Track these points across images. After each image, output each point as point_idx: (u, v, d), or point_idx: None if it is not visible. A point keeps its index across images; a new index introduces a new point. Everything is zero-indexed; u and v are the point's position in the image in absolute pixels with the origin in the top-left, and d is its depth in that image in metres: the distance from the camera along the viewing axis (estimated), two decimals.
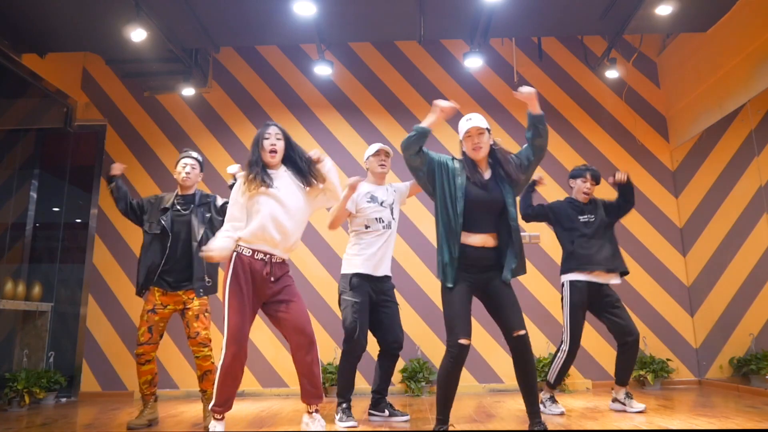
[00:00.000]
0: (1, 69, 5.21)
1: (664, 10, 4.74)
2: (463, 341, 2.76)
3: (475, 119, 3.05)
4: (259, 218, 2.97)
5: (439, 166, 3.02)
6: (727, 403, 4.09)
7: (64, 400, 5.25)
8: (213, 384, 3.53)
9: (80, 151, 6.17)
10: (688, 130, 5.57)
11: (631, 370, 3.84)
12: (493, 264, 2.94)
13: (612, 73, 5.77)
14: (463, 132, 3.06)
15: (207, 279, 3.61)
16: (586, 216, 3.96)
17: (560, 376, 3.82)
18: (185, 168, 3.77)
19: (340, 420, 3.52)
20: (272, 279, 3.00)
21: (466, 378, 5.32)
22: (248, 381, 5.37)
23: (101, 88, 6.14)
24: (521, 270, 2.97)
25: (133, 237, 5.73)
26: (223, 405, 2.97)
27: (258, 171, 3.03)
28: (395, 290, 3.84)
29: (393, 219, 3.80)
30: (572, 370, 5.30)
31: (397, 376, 5.23)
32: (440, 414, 2.85)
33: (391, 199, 3.86)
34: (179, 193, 3.79)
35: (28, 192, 6.07)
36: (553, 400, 3.84)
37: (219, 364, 2.92)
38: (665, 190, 5.77)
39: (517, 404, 4.30)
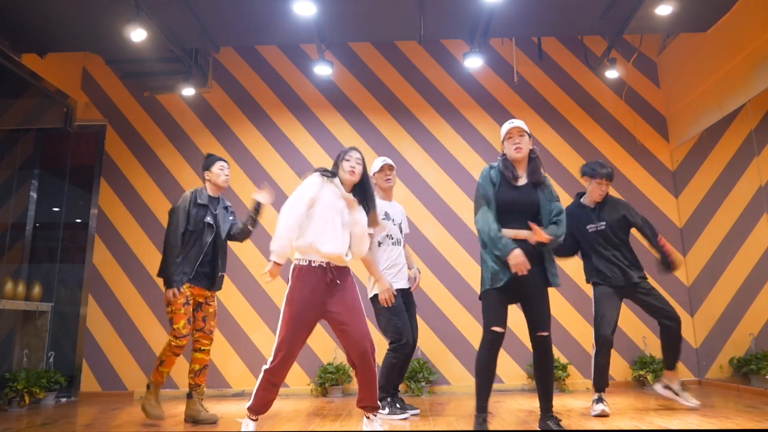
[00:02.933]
0: (1, 69, 5.21)
1: (664, 10, 4.74)
2: (495, 329, 2.97)
3: (516, 121, 3.13)
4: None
5: (491, 189, 3.07)
6: (727, 403, 4.09)
7: (64, 400, 5.25)
8: (205, 378, 3.81)
9: (80, 151, 6.17)
10: (688, 130, 5.57)
11: (674, 353, 3.73)
12: (533, 257, 2.96)
13: (612, 73, 5.77)
14: (504, 132, 3.12)
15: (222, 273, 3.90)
16: (595, 225, 3.81)
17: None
18: (224, 170, 3.92)
19: (393, 413, 3.71)
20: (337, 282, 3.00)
21: (466, 378, 5.32)
22: (248, 381, 5.38)
23: (101, 88, 6.14)
24: (558, 277, 3.07)
25: (133, 237, 5.74)
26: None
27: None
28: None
29: (401, 236, 4.01)
30: (572, 369, 5.31)
31: None
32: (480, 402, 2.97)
33: (399, 217, 4.03)
34: (210, 195, 3.89)
35: (28, 192, 6.07)
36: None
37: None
38: (665, 190, 5.77)
39: (516, 404, 4.30)
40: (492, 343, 2.97)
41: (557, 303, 5.48)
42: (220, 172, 3.89)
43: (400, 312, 3.76)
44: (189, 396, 3.78)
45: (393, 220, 3.94)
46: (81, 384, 5.43)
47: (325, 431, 3.34)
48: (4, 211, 6.03)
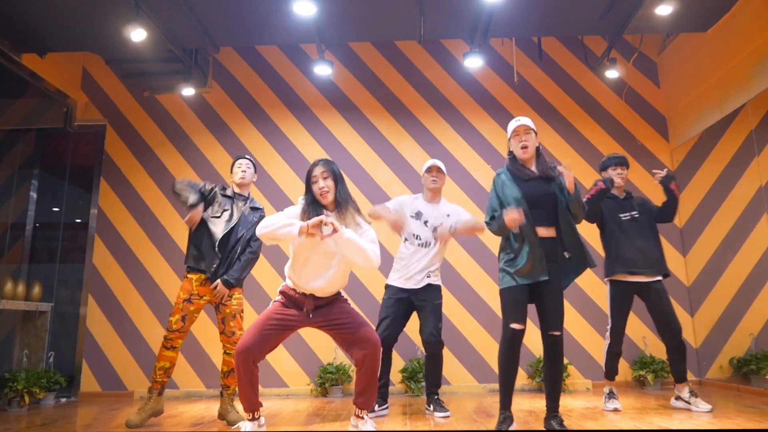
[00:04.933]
0: (1, 69, 5.21)
1: (664, 10, 4.74)
2: (514, 326, 2.97)
3: (523, 119, 3.10)
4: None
5: (499, 195, 3.10)
6: (727, 403, 4.09)
7: (64, 400, 5.25)
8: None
9: (80, 151, 6.17)
10: (688, 130, 5.57)
11: (682, 365, 3.76)
12: (553, 254, 3.02)
13: (612, 73, 5.77)
14: (511, 130, 3.10)
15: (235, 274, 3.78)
16: (627, 213, 3.86)
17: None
18: (240, 167, 3.94)
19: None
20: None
21: (466, 378, 5.31)
22: None
23: (101, 88, 6.14)
24: (581, 269, 3.09)
25: (133, 237, 5.74)
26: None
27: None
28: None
29: (434, 241, 3.91)
30: (572, 370, 5.31)
31: (396, 376, 5.23)
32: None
33: (439, 219, 3.92)
34: (236, 191, 3.93)
35: (28, 192, 6.07)
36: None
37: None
38: None
39: (516, 404, 4.30)
40: (510, 340, 2.99)
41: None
42: (237, 169, 3.95)
43: (388, 306, 3.87)
44: (221, 394, 3.84)
45: (426, 222, 3.91)
46: (81, 384, 5.43)
47: (324, 431, 3.34)
48: (4, 211, 6.03)
